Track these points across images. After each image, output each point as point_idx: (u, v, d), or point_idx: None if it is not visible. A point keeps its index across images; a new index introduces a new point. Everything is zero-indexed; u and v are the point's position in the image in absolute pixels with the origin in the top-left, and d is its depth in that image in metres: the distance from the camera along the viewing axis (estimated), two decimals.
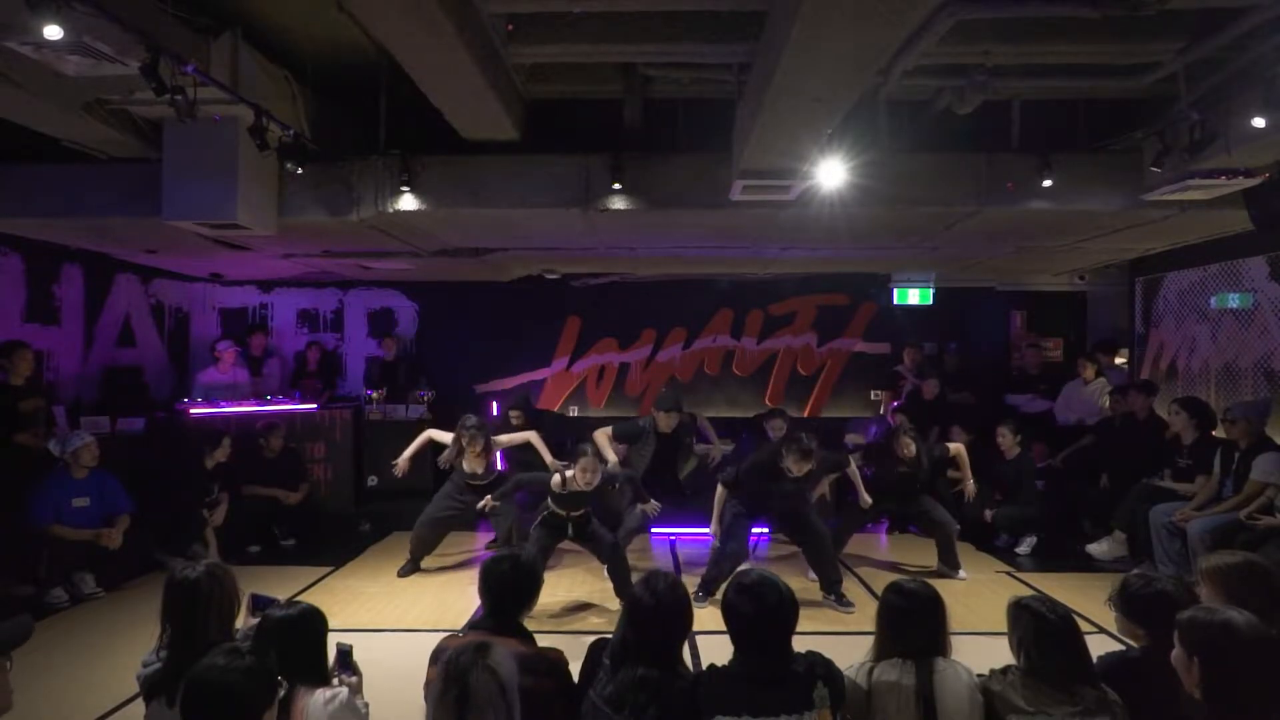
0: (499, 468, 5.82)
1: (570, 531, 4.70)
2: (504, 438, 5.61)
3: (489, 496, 4.96)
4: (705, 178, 5.20)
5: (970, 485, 5.54)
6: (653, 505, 4.92)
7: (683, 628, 2.21)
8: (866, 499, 5.20)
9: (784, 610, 2.11)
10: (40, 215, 5.42)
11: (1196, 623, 1.89)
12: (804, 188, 4.87)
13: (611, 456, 5.32)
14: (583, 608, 4.73)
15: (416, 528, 5.46)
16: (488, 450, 5.38)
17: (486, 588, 2.46)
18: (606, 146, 5.24)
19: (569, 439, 5.84)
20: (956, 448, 5.59)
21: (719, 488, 4.98)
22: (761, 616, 2.09)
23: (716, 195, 5.16)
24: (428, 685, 1.79)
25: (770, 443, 5.50)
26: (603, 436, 5.32)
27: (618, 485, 5.16)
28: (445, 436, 5.49)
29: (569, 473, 4.50)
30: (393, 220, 5.51)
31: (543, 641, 2.44)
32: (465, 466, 5.38)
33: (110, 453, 5.43)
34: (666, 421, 5.47)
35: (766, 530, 5.98)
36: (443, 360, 8.92)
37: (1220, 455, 5.28)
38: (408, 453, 5.47)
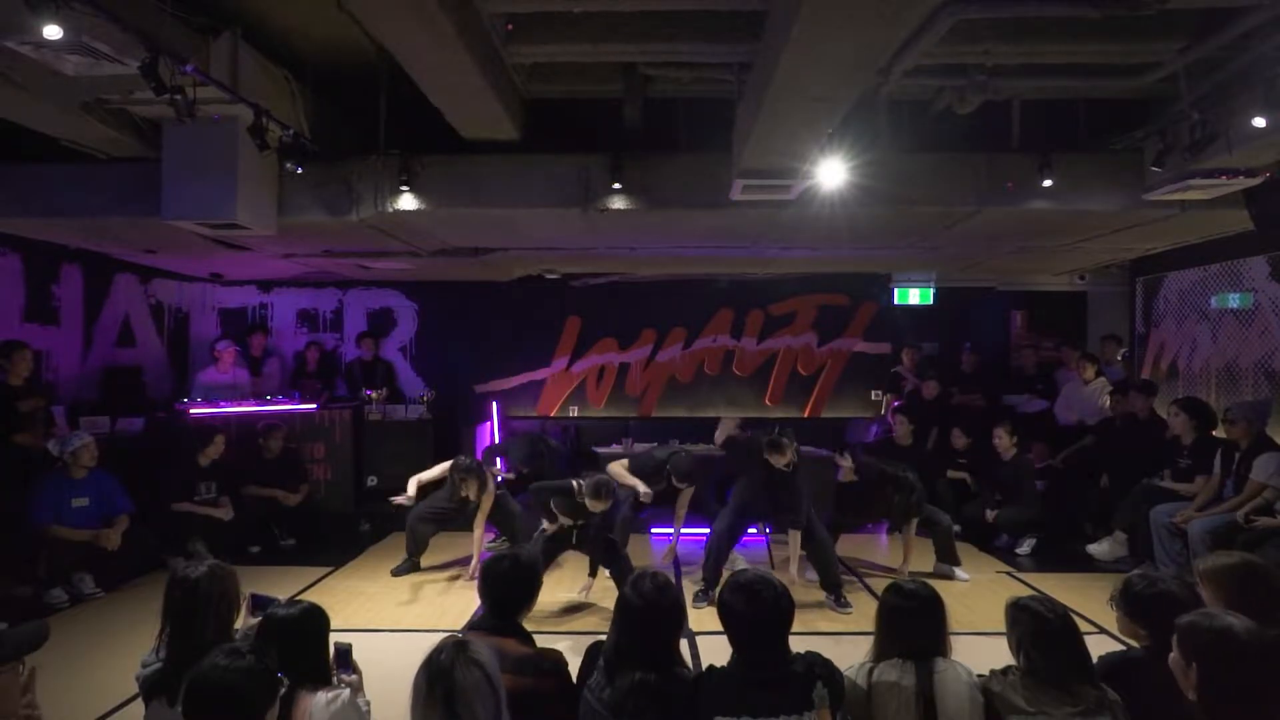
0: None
1: (574, 540, 4.78)
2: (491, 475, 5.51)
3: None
4: (705, 178, 5.19)
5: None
6: (644, 493, 5.07)
7: (674, 628, 2.20)
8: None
9: (779, 607, 2.10)
10: (40, 215, 5.42)
11: (1196, 628, 1.89)
12: (804, 188, 4.87)
13: (640, 486, 5.24)
14: (583, 608, 4.74)
15: (409, 520, 5.47)
16: (482, 486, 5.30)
17: (487, 587, 2.47)
18: (606, 146, 5.24)
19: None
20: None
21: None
22: (757, 614, 2.09)
23: (716, 195, 5.16)
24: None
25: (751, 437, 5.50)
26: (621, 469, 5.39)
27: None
28: (429, 475, 5.47)
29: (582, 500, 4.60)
30: (393, 220, 5.51)
31: (542, 641, 2.44)
32: (463, 492, 5.32)
33: (109, 453, 5.43)
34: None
35: (768, 530, 5.98)
36: (443, 360, 8.92)
37: (1221, 455, 5.28)
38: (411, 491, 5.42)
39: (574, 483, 4.65)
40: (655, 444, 6.43)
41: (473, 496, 5.30)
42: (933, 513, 5.44)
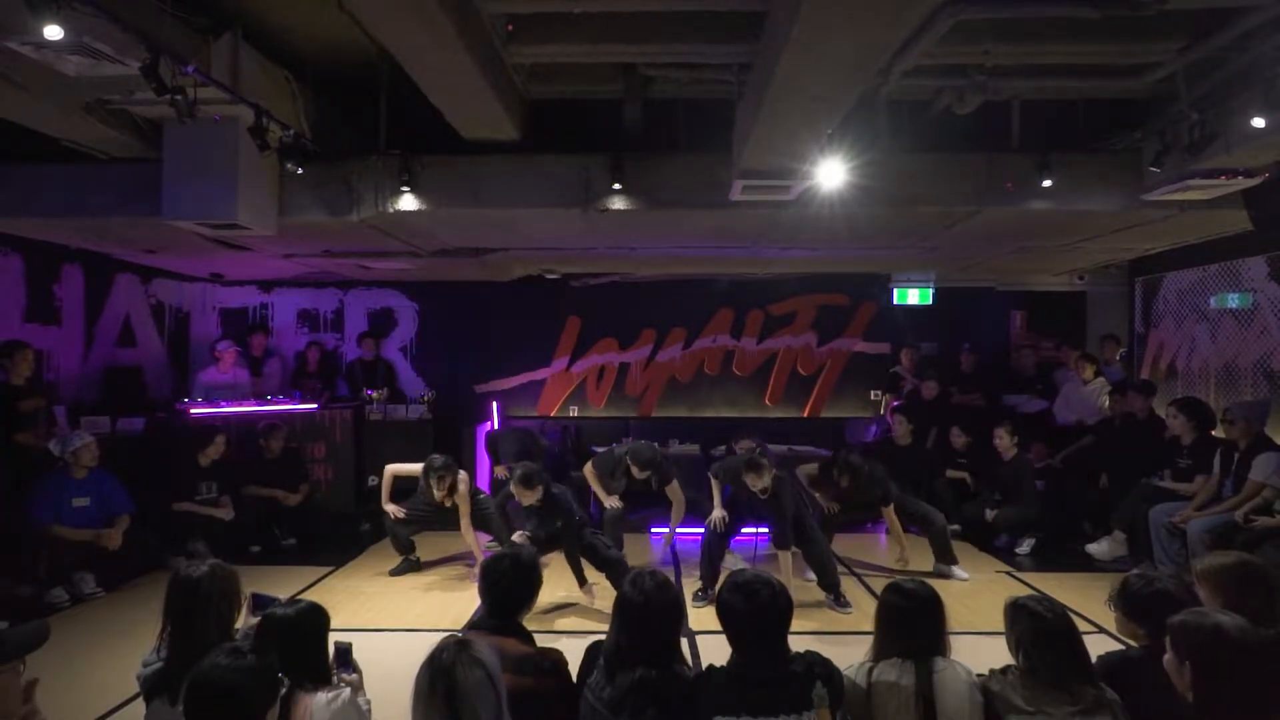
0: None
1: (560, 540, 4.75)
2: (464, 477, 5.42)
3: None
4: (705, 178, 5.20)
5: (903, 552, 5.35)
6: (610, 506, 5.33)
7: (674, 626, 2.21)
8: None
9: (777, 606, 2.11)
10: (40, 215, 5.42)
11: (1187, 627, 1.89)
12: (804, 188, 4.87)
13: (603, 497, 5.53)
14: (581, 608, 4.73)
15: (389, 527, 5.43)
16: (454, 487, 5.25)
17: (487, 586, 2.47)
18: (606, 146, 5.25)
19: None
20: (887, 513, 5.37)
21: (710, 478, 5.15)
22: (755, 613, 2.09)
23: (716, 195, 5.16)
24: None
25: (735, 456, 5.51)
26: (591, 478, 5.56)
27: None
28: (406, 469, 5.45)
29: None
30: (393, 220, 5.52)
31: (542, 641, 2.45)
32: (435, 495, 5.25)
33: (110, 453, 5.44)
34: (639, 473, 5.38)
35: (766, 530, 5.98)
36: (443, 360, 8.93)
37: (1220, 455, 5.28)
38: (386, 501, 5.39)
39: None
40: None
41: (447, 502, 5.24)
42: (928, 512, 5.45)
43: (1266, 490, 4.79)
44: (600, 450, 7.20)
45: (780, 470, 4.85)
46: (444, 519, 5.39)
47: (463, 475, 5.31)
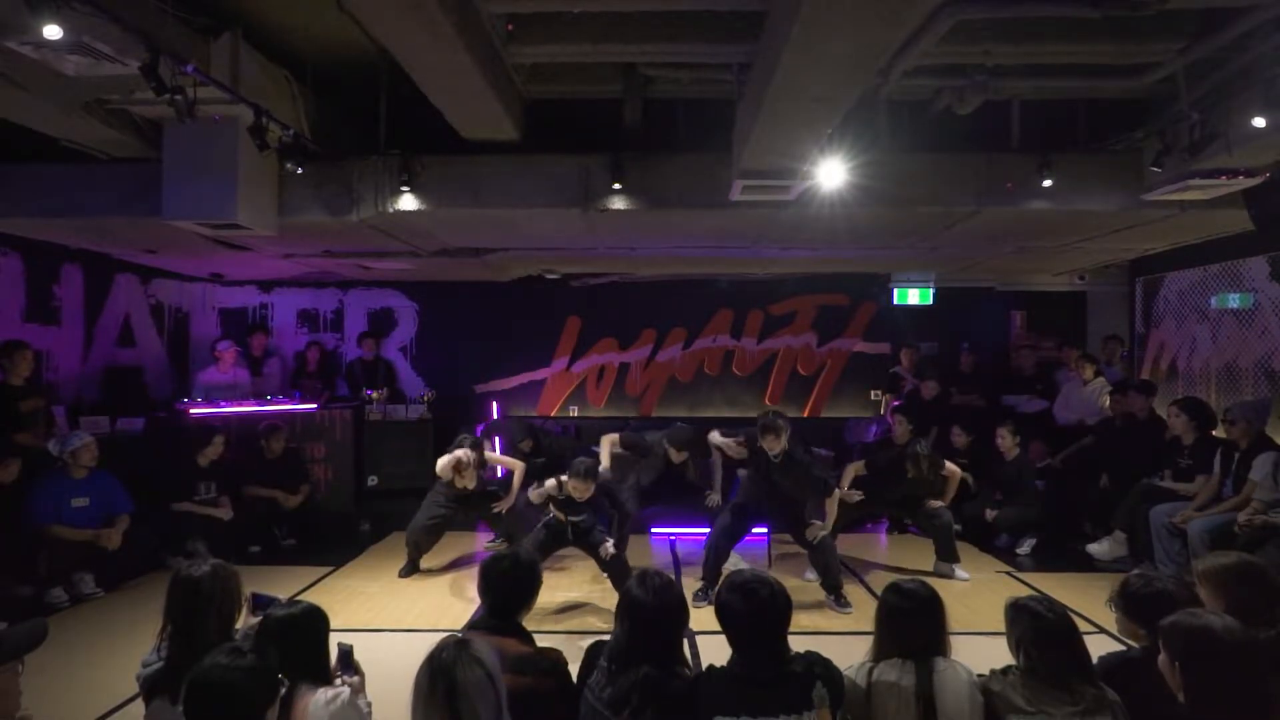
0: (499, 474, 5.88)
1: (571, 536, 4.75)
2: (493, 456, 5.72)
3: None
4: (705, 178, 5.20)
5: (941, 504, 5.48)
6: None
7: (678, 626, 2.21)
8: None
9: (775, 605, 2.11)
10: (40, 215, 5.42)
11: (1178, 628, 1.91)
12: (804, 188, 4.87)
13: (605, 461, 5.55)
14: (583, 608, 4.73)
15: (409, 534, 5.44)
16: (481, 466, 5.43)
17: (486, 586, 2.47)
18: (606, 146, 5.25)
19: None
20: (952, 471, 5.55)
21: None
22: (753, 613, 2.09)
23: (716, 195, 5.16)
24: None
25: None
26: (607, 443, 5.62)
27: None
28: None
29: (564, 478, 4.58)
30: (393, 220, 5.52)
31: (542, 641, 2.45)
32: (456, 483, 5.34)
33: (110, 453, 5.44)
34: (677, 455, 5.61)
35: (767, 530, 5.99)
36: (443, 360, 8.93)
37: (1220, 455, 5.28)
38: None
39: (551, 481, 4.68)
40: None
41: (471, 484, 5.36)
42: (936, 509, 5.43)
43: (1255, 503, 4.72)
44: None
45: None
46: (469, 521, 5.55)
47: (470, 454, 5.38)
